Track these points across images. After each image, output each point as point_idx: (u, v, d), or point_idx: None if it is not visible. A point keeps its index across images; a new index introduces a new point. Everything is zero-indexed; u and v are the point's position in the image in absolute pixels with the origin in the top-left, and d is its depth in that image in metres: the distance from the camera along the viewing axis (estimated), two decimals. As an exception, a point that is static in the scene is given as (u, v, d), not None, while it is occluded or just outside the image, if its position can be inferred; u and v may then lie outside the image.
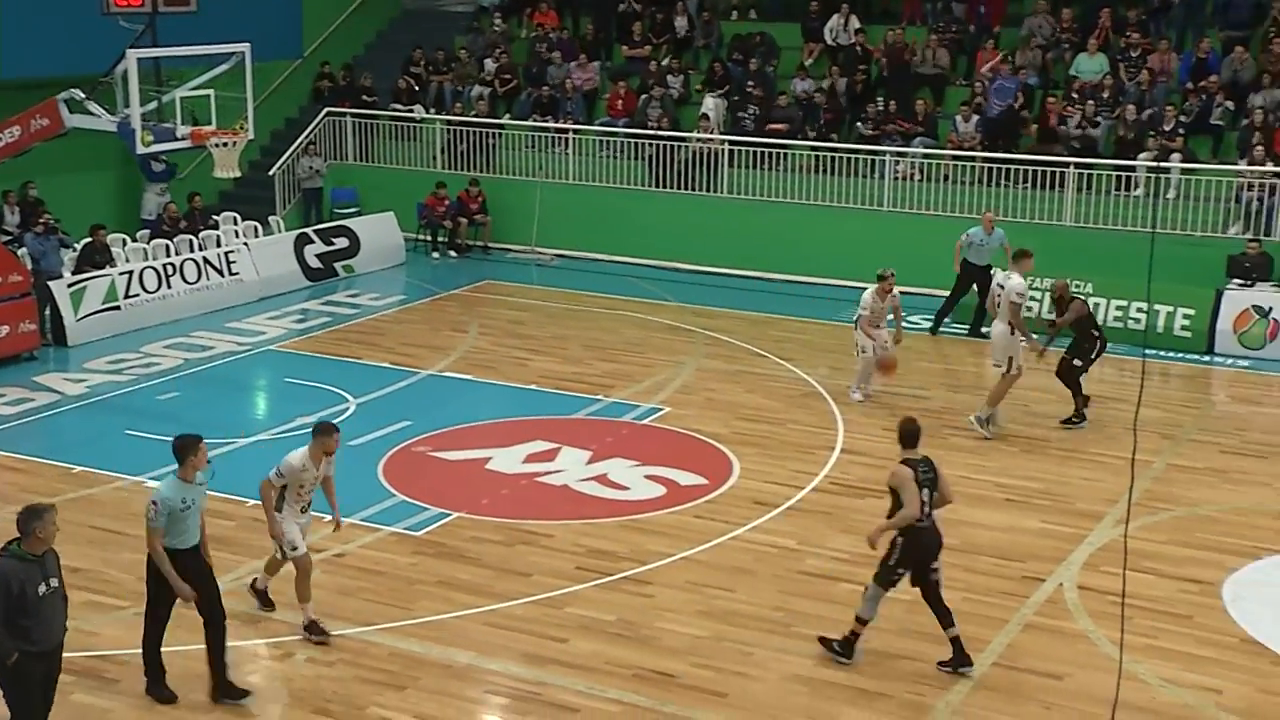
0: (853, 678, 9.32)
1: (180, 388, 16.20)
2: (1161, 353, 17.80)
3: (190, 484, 8.85)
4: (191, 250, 20.19)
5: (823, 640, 9.60)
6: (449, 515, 12.19)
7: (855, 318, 15.62)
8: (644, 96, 23.77)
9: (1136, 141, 20.34)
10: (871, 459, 13.65)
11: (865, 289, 15.65)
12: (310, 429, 9.95)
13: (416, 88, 25.42)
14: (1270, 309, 17.50)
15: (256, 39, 16.97)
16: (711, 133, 22.71)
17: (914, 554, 9.27)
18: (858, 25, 23.98)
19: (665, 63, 24.72)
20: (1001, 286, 14.63)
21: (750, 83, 23.32)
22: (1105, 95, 21.33)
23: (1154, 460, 13.59)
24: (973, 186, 20.86)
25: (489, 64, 25.54)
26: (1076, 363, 14.89)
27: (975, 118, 21.54)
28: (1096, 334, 14.98)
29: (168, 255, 19.82)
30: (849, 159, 21.61)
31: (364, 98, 25.25)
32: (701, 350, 17.84)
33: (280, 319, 19.45)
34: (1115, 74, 21.66)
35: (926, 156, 21.53)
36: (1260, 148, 19.30)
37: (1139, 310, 18.16)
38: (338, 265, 21.98)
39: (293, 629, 9.98)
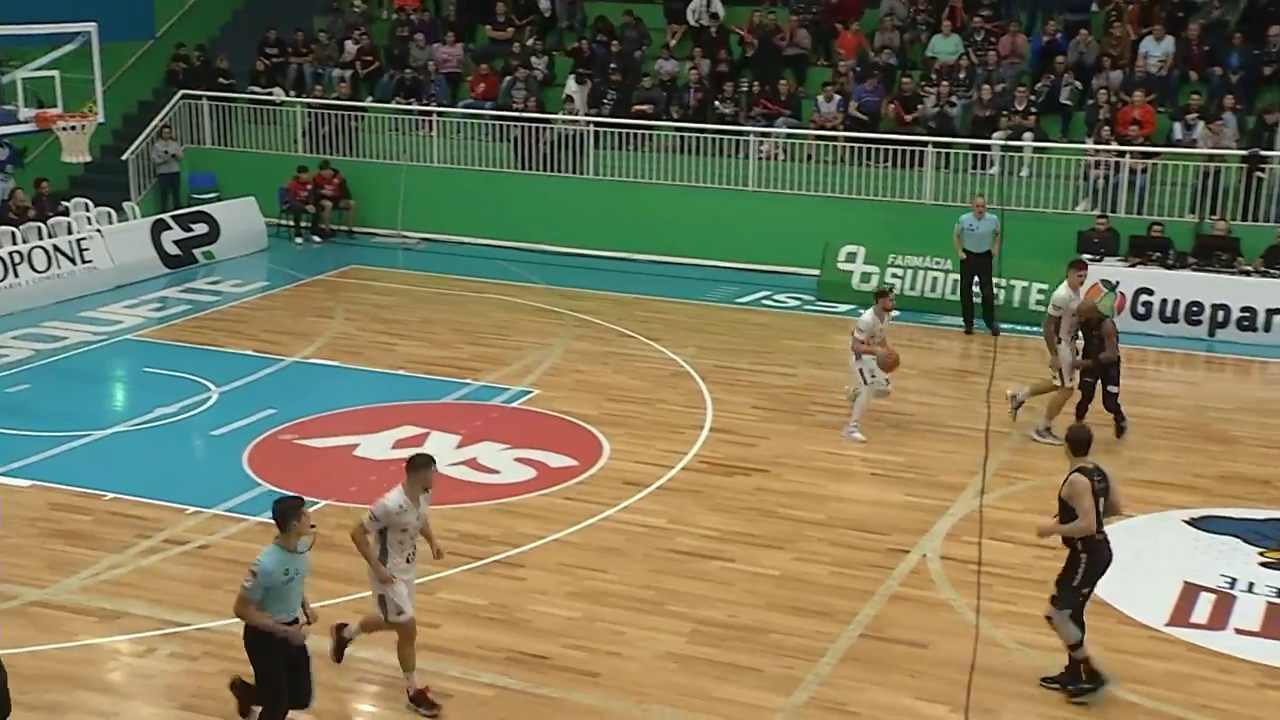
0: (723, 653, 9.43)
1: (31, 380, 15.68)
2: (1018, 326, 18.26)
3: (294, 553, 7.94)
4: (40, 238, 19.53)
5: (1054, 683, 8.97)
6: (317, 503, 11.99)
7: (850, 345, 13.98)
8: (508, 78, 23.63)
9: (991, 121, 20.85)
10: (740, 437, 13.82)
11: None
12: (405, 463, 8.67)
13: (275, 70, 24.91)
14: (1118, 282, 18.08)
15: (104, 18, 16.46)
16: (576, 114, 22.68)
17: (1097, 570, 8.80)
18: (719, 7, 24.13)
19: (529, 44, 24.59)
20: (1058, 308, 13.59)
21: (613, 65, 23.33)
22: (961, 76, 21.81)
23: (1012, 431, 13.96)
24: (835, 166, 21.18)
25: (349, 45, 25.13)
26: (1111, 389, 13.84)
27: (837, 98, 21.84)
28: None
29: (14, 243, 19.15)
30: (714, 140, 21.77)
31: (221, 80, 24.66)
32: (570, 332, 17.84)
33: (137, 307, 18.93)
34: (969, 55, 22.16)
35: (790, 137, 21.78)
36: (1106, 127, 19.93)
37: (997, 286, 18.61)
38: (197, 252, 21.46)
39: (157, 624, 9.76)
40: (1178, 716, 8.59)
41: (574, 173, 22.52)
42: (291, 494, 8.42)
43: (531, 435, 13.82)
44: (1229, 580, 10.43)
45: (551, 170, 22.61)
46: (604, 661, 9.35)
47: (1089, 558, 8.72)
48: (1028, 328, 18.21)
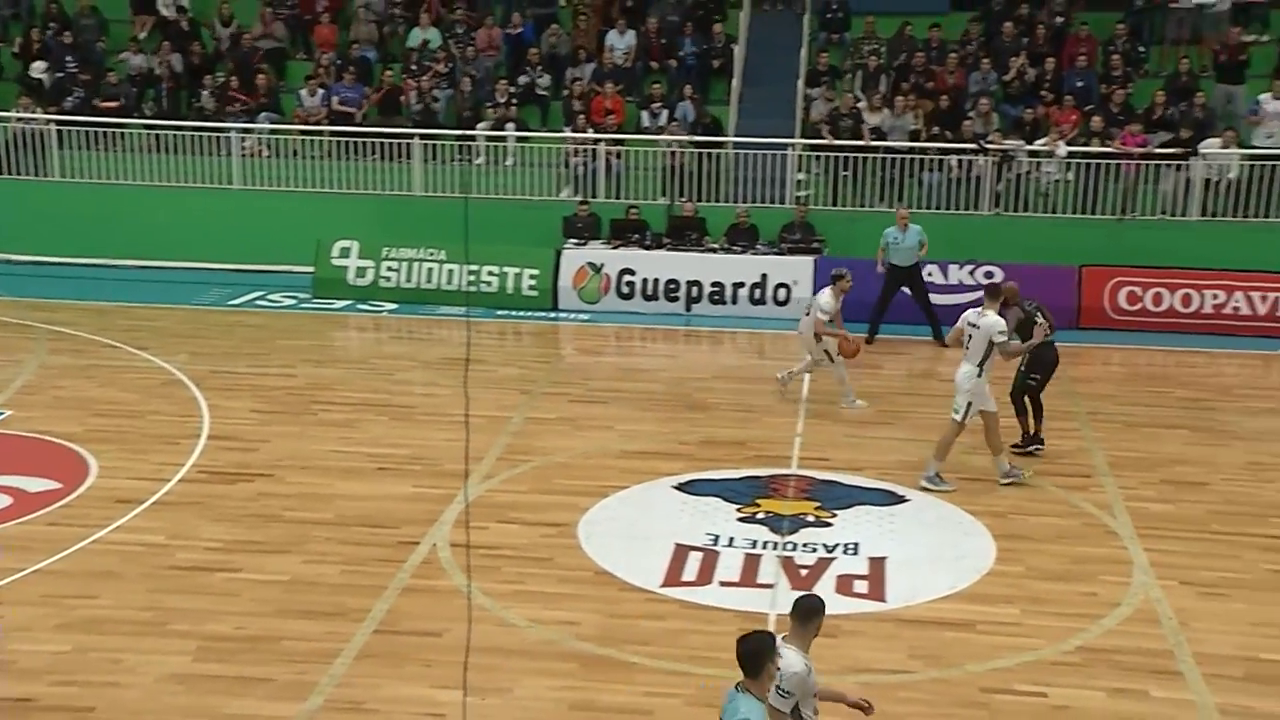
0: (231, 668, 9.11)
1: None
2: (514, 312, 18.83)
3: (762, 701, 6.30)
4: None
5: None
6: None
7: (810, 327, 14.34)
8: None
9: (475, 112, 21.28)
10: (241, 442, 13.38)
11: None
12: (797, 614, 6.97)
13: None
14: (602, 265, 19.03)
15: None
16: (35, 111, 21.05)
17: None
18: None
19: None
20: (975, 325, 12.30)
21: (69, 58, 21.79)
22: (442, 68, 22.11)
23: (513, 415, 14.36)
24: (322, 161, 20.91)
25: None
26: (1033, 379, 13.33)
27: (320, 91, 21.53)
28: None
29: None
30: (193, 137, 20.87)
31: None
32: (44, 346, 16.57)
33: None
34: (448, 47, 22.49)
35: (274, 133, 21.26)
36: (582, 116, 20.88)
37: (490, 274, 19.11)
38: None
39: None
40: (672, 669, 9.17)
41: (37, 175, 20.91)
42: (762, 629, 6.86)
43: (6, 460, 12.72)
44: (713, 538, 11.25)
45: (10, 173, 20.88)
46: (100, 694, 8.77)
47: None
48: (525, 312, 18.82)
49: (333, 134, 21.01)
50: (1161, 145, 19.26)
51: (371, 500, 12.12)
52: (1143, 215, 19.30)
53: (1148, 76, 21.29)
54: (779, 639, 6.64)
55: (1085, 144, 19.43)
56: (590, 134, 20.63)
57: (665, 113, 20.93)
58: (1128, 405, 15.01)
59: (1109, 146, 19.28)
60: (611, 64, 21.96)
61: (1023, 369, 13.30)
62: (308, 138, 21.14)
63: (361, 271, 19.44)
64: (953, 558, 10.92)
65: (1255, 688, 8.98)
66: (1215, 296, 17.94)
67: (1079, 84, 20.75)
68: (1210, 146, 19.15)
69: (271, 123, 21.39)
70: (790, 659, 6.61)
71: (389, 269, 19.36)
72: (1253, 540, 11.32)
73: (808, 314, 14.79)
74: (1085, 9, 22.32)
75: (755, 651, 6.26)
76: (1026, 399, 13.35)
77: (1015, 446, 13.23)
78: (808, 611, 6.84)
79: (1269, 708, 8.74)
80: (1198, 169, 19.15)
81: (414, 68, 22.01)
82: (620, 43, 22.28)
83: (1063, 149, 19.23)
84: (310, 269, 19.69)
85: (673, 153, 20.23)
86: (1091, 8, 22.45)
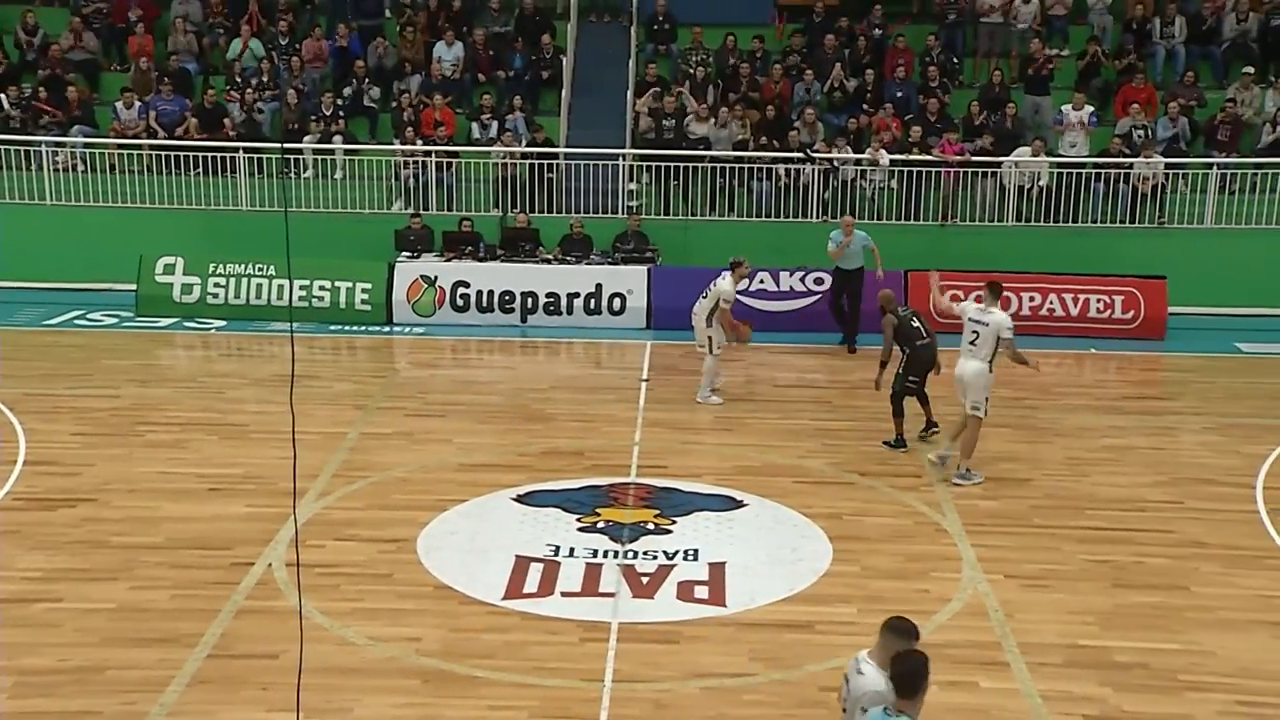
0: (54, 702, 8.75)
1: None
2: (348, 327, 18.54)
3: None
4: None
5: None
6: None
7: (712, 310, 14.90)
8: None
9: (301, 125, 20.92)
10: (62, 467, 12.91)
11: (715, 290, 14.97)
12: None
13: None
14: (436, 277, 18.87)
15: None
16: None
17: None
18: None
19: None
20: (981, 322, 12.75)
21: None
22: (266, 80, 21.68)
23: (349, 431, 14.14)
24: (143, 175, 20.30)
25: None
26: (912, 382, 13.78)
27: (138, 104, 20.91)
28: (907, 348, 13.76)
29: None
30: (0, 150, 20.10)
31: None
32: None
33: None
34: (272, 59, 22.07)
35: (89, 146, 20.56)
36: (410, 129, 20.70)
37: (321, 288, 18.78)
38: None
39: None
40: (516, 681, 9.14)
41: None
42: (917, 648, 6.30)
43: None
44: (554, 549, 11.25)
45: None
46: (-85, 737, 8.37)
47: None
48: (359, 327, 18.54)
49: (152, 148, 20.42)
50: (976, 153, 19.97)
51: (203, 522, 11.80)
52: (963, 221, 19.97)
53: (963, 87, 22.05)
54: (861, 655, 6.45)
55: (905, 152, 20.02)
56: (420, 146, 20.45)
57: (495, 124, 20.88)
58: (955, 406, 15.47)
59: (930, 154, 19.90)
60: (440, 76, 21.82)
61: (901, 372, 13.77)
62: (126, 151, 20.50)
63: (187, 288, 18.92)
64: (791, 560, 11.12)
65: (1074, 672, 9.36)
66: (1032, 299, 18.62)
67: (899, 94, 21.38)
68: (1021, 155, 19.93)
69: (86, 136, 20.69)
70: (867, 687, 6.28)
71: (216, 285, 18.88)
72: (1071, 532, 11.80)
73: (704, 297, 15.18)
74: (902, 23, 22.98)
75: (913, 671, 6.10)
76: (905, 402, 13.79)
77: (921, 434, 14.02)
78: (905, 634, 6.41)
79: (1085, 690, 9.13)
80: (1011, 176, 19.89)
81: (237, 80, 21.52)
82: (448, 54, 22.16)
83: (885, 157, 19.78)
84: (132, 286, 19.08)
85: (505, 164, 20.19)
86: (909, 21, 23.13)
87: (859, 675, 6.34)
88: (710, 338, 15.10)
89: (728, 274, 15.17)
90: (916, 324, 13.78)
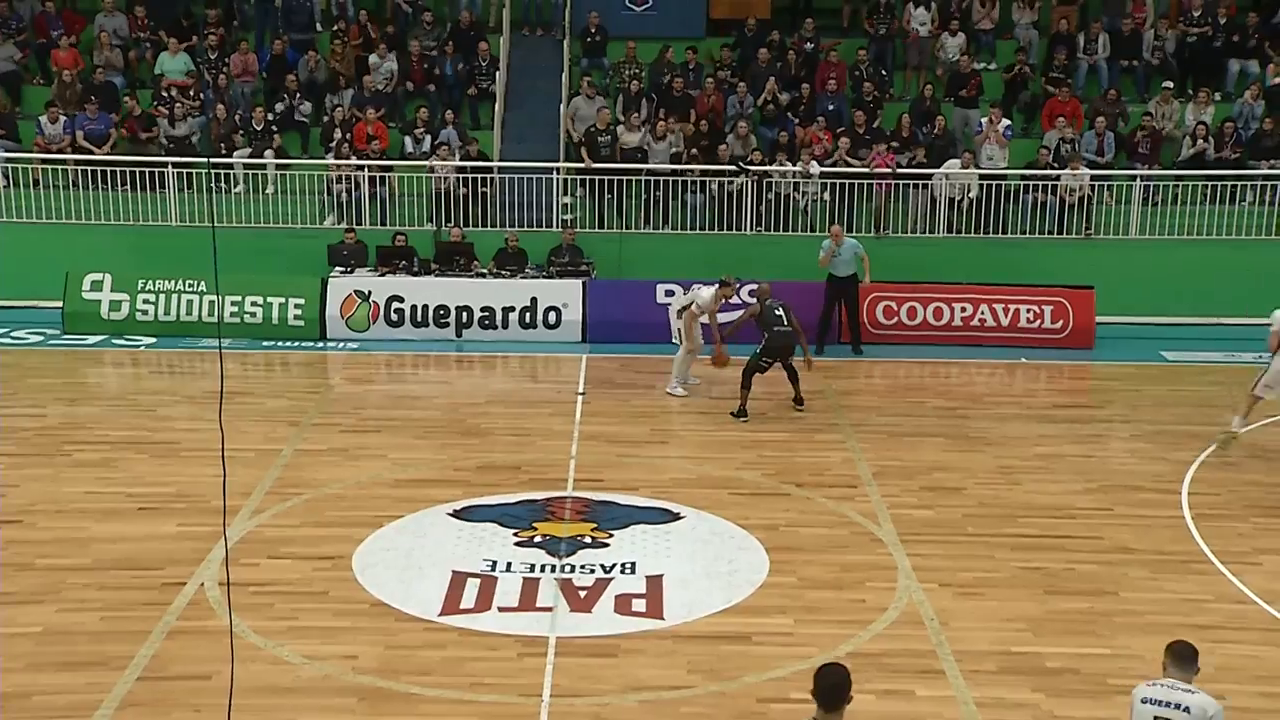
0: (-15, 728, 8.62)
1: None
2: (280, 343, 18.36)
3: None
4: None
5: None
6: None
7: (681, 309, 15.95)
8: None
9: (230, 139, 20.71)
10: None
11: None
12: None
13: None
14: (370, 292, 18.74)
15: None
16: None
17: None
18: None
19: None
20: None
21: None
22: (193, 94, 21.44)
23: (282, 448, 14.00)
24: (69, 190, 20.01)
25: None
26: (765, 363, 15.37)
27: (63, 119, 20.61)
28: (766, 333, 15.28)
29: None
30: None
31: None
32: None
33: None
34: (200, 73, 21.83)
35: (10, 161, 20.24)
36: (345, 143, 20.56)
37: (253, 304, 18.60)
38: None
39: None
40: (453, 698, 9.09)
41: None
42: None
43: None
44: (490, 563, 11.20)
45: None
46: None
47: None
48: (291, 343, 18.36)
49: (78, 163, 20.13)
50: (909, 166, 20.18)
51: (132, 542, 11.63)
52: (896, 233, 20.16)
53: (894, 100, 22.28)
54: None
55: (836, 165, 20.20)
56: (353, 160, 20.32)
57: (429, 138, 20.80)
58: (889, 416, 15.63)
59: (862, 166, 20.08)
60: (373, 89, 21.69)
61: (758, 351, 15.31)
62: (51, 166, 20.19)
63: (116, 305, 18.64)
64: (727, 572, 11.16)
65: (1007, 679, 9.47)
66: (964, 309, 18.82)
67: (830, 107, 21.56)
68: (951, 167, 20.17)
69: (7, 150, 20.35)
70: None
71: (145, 302, 18.62)
72: (1004, 540, 11.93)
73: (684, 293, 16.11)
74: (833, 36, 23.17)
75: (836, 684, 6.16)
76: (754, 378, 15.26)
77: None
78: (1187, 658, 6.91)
79: (1018, 697, 9.23)
80: (941, 188, 20.12)
81: (165, 94, 21.28)
82: (381, 67, 22.04)
83: (816, 168, 19.94)
84: (59, 304, 18.76)
85: (439, 178, 20.11)
86: (839, 35, 23.33)
87: (1189, 697, 6.74)
88: (679, 330, 16.03)
89: (714, 287, 15.75)
90: (779, 313, 15.25)
